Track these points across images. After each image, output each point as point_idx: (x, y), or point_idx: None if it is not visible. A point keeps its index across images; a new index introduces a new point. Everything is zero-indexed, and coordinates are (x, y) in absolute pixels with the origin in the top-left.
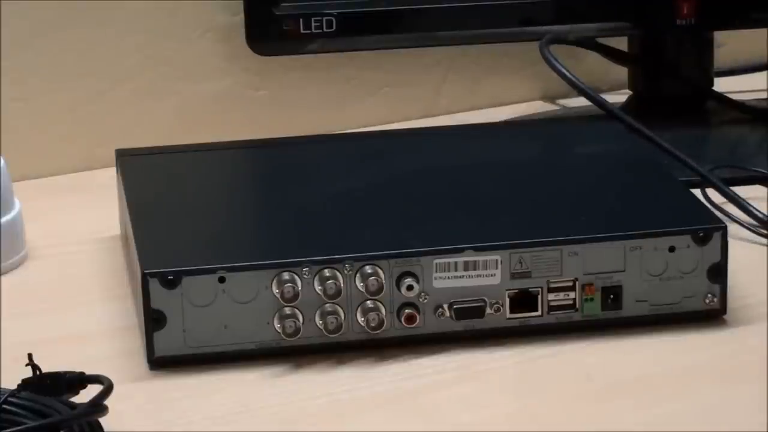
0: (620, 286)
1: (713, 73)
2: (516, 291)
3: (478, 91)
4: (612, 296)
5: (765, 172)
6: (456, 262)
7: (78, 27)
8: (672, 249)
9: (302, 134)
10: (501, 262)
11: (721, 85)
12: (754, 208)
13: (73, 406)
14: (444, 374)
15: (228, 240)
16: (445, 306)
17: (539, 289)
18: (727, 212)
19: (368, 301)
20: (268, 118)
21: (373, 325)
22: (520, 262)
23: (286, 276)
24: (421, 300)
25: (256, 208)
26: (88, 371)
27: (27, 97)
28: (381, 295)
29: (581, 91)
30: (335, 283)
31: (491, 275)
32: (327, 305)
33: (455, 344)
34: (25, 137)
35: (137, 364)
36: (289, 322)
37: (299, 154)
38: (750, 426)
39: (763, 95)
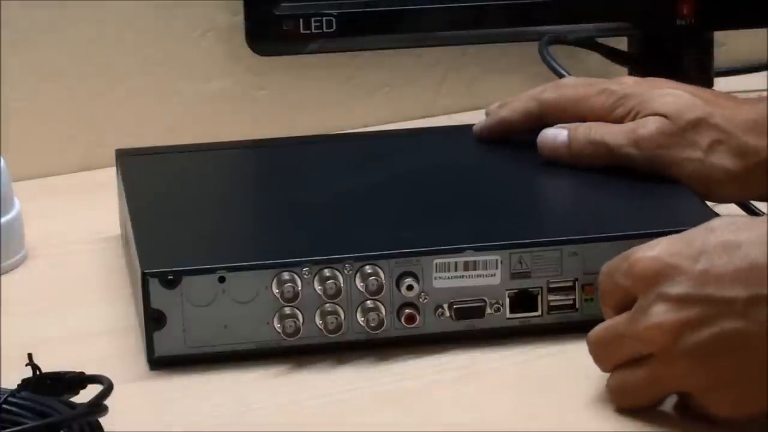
0: None
1: (713, 73)
2: (516, 291)
3: (478, 91)
4: None
5: None
6: (456, 262)
7: (78, 27)
8: None
9: (302, 134)
10: (501, 262)
11: (721, 85)
12: (754, 207)
13: (73, 406)
14: (444, 374)
15: (228, 240)
16: (445, 306)
17: (539, 289)
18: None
19: (368, 301)
20: (269, 118)
21: (373, 325)
22: (520, 262)
23: (286, 276)
24: (421, 300)
25: (256, 208)
26: (88, 371)
27: (27, 97)
28: (381, 295)
29: None
30: (335, 283)
31: (491, 275)
32: (327, 305)
33: (455, 344)
34: (25, 137)
35: (137, 364)
36: (289, 322)
37: (299, 154)
38: (749, 424)
39: (764, 95)
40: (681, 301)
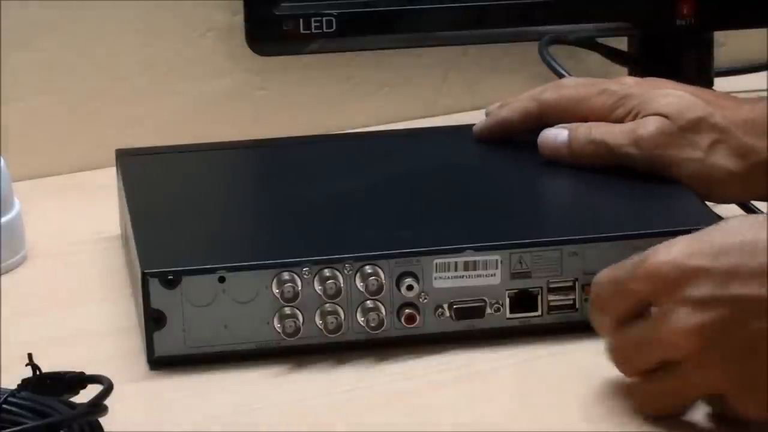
0: None
1: (713, 73)
2: (516, 291)
3: (478, 91)
4: None
5: None
6: (456, 262)
7: (78, 27)
8: None
9: (302, 134)
10: (501, 262)
11: (721, 85)
12: (755, 208)
13: (73, 406)
14: (444, 374)
15: (228, 240)
16: (445, 306)
17: (539, 289)
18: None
19: (368, 301)
20: (269, 117)
21: (373, 325)
22: (520, 262)
23: (286, 276)
24: (421, 300)
25: (256, 208)
26: (88, 371)
27: (27, 97)
28: (381, 295)
29: None
30: (335, 283)
31: (491, 275)
32: (327, 305)
33: (455, 344)
34: (25, 137)
35: (137, 364)
36: (289, 322)
37: (299, 154)
38: (748, 423)
39: (763, 95)
40: (705, 303)
